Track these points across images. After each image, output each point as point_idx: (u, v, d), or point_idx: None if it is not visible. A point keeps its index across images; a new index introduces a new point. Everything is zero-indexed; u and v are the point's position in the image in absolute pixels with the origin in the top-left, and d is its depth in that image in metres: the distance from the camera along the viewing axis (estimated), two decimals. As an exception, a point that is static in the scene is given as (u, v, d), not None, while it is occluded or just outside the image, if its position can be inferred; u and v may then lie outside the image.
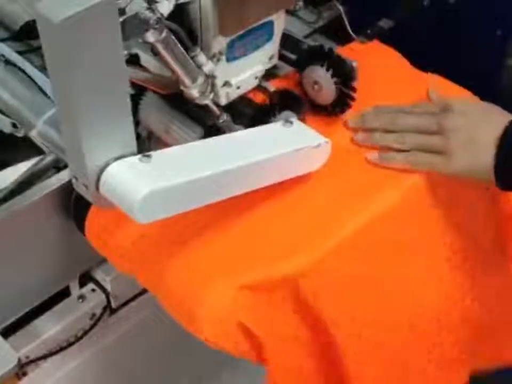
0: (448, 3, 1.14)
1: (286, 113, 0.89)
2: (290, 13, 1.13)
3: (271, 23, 0.89)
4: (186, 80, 0.80)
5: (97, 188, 0.71)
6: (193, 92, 0.82)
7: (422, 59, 1.02)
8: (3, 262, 0.93)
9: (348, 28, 1.06)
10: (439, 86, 1.02)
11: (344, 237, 0.85)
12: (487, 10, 1.39)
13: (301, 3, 0.99)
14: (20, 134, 0.98)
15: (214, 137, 0.82)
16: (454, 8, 1.16)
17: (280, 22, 0.90)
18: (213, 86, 0.85)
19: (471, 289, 0.96)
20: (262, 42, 0.90)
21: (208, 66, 0.81)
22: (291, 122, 0.87)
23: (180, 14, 0.80)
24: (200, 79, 0.81)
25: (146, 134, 0.93)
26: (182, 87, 0.82)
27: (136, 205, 0.68)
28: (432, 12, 1.13)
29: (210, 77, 0.82)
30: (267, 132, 0.86)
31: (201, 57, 0.81)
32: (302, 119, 0.91)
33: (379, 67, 1.03)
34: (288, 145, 0.84)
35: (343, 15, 1.07)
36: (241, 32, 0.85)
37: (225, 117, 0.86)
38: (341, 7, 1.09)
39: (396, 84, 1.01)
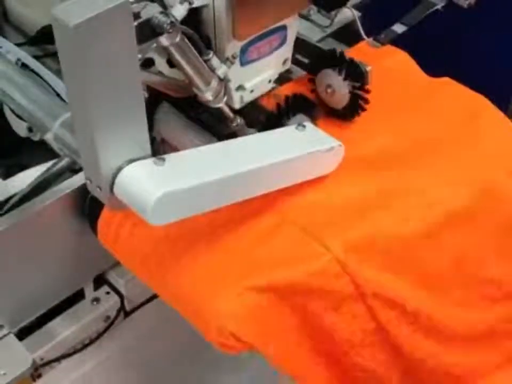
0: (463, 8, 1.14)
1: (299, 117, 0.90)
2: (304, 17, 1.14)
3: (284, 27, 0.90)
4: (200, 84, 0.81)
5: (111, 189, 0.71)
6: (207, 95, 0.82)
7: (436, 63, 1.03)
8: (18, 265, 0.94)
9: (362, 32, 1.07)
10: (452, 91, 1.02)
11: (356, 240, 0.85)
12: (502, 15, 1.39)
13: (314, 7, 1.00)
14: (36, 138, 0.99)
15: (228, 141, 0.83)
16: (469, 13, 1.16)
17: (293, 26, 0.91)
18: (227, 89, 0.86)
19: None
20: (276, 46, 0.90)
21: (221, 70, 0.82)
22: (304, 126, 0.87)
23: (193, 18, 0.80)
24: (214, 83, 0.81)
25: (161, 138, 0.94)
26: (195, 91, 0.82)
27: (150, 207, 0.69)
28: (446, 16, 1.14)
29: (224, 81, 0.83)
30: (280, 135, 0.87)
31: (215, 61, 0.81)
32: (315, 123, 0.91)
33: (392, 71, 1.03)
34: (302, 148, 0.85)
35: (357, 20, 1.08)
36: (255, 36, 0.86)
37: (238, 121, 0.87)
38: (355, 12, 1.09)
39: (409, 88, 1.01)
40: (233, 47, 0.84)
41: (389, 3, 1.22)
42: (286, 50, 0.92)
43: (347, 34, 1.14)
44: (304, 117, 0.90)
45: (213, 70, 0.81)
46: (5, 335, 0.96)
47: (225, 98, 0.84)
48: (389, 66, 1.03)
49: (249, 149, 0.82)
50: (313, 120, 0.91)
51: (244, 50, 0.86)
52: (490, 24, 1.39)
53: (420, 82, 1.04)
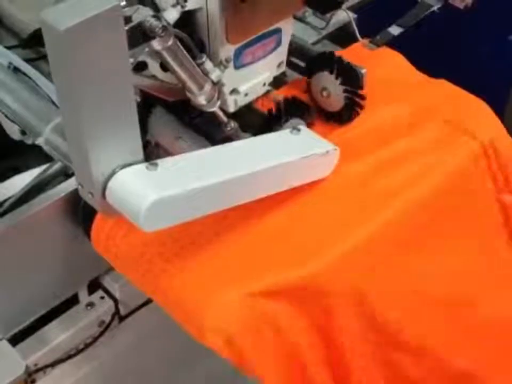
0: (459, 9, 1.14)
1: (294, 121, 0.89)
2: (299, 19, 1.13)
3: (279, 30, 0.89)
4: (193, 88, 0.80)
5: (103, 195, 0.71)
6: (200, 99, 0.82)
7: (432, 65, 1.02)
8: (12, 270, 0.93)
9: (357, 34, 1.06)
10: (449, 93, 1.01)
11: (356, 241, 0.85)
12: (498, 17, 1.39)
13: (310, 9, 0.99)
14: (29, 141, 0.98)
15: (221, 145, 0.82)
16: (465, 15, 1.15)
17: (288, 28, 0.90)
18: (221, 93, 0.85)
19: None
20: (270, 49, 0.90)
21: (215, 74, 0.81)
22: (299, 130, 0.87)
23: (187, 21, 0.79)
24: (207, 86, 0.81)
25: (155, 142, 0.93)
26: (188, 95, 0.81)
27: (142, 214, 0.68)
28: (442, 18, 1.13)
29: (218, 84, 0.82)
30: (275, 140, 0.86)
31: (208, 65, 0.80)
32: (311, 126, 0.90)
33: (388, 73, 1.02)
34: (296, 152, 0.84)
35: (353, 22, 1.07)
36: (249, 39, 0.85)
37: (232, 125, 0.86)
38: (350, 14, 1.09)
39: (405, 90, 1.01)
40: (227, 51, 0.83)
41: (385, 5, 1.21)
42: (281, 53, 0.91)
43: (343, 36, 1.13)
44: (299, 120, 0.90)
45: (206, 73, 0.80)
46: (-2, 341, 0.96)
47: (218, 102, 0.84)
48: (383, 68, 1.03)
49: (243, 154, 0.81)
50: (308, 123, 0.91)
51: (237, 54, 0.85)
52: (487, 25, 1.38)
53: (415, 84, 1.03)
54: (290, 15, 0.89)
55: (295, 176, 0.85)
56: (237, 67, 0.86)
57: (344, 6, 1.02)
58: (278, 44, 0.90)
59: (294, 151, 0.84)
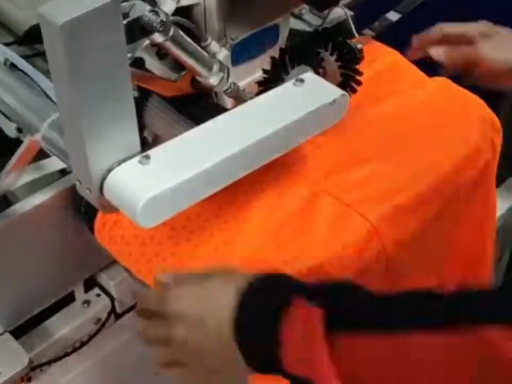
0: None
1: (301, 68, 0.86)
2: (296, 16, 1.13)
3: (276, 27, 0.89)
4: (202, 71, 0.80)
5: (101, 192, 0.70)
6: (211, 80, 0.82)
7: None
8: (8, 267, 0.93)
9: (354, 31, 1.06)
10: (444, 89, 1.01)
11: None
12: (496, 4, 1.39)
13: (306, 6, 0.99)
14: (25, 138, 0.97)
15: (218, 117, 0.76)
16: (463, 1, 1.15)
17: (285, 25, 0.90)
18: (218, 93, 0.85)
19: None
20: (268, 45, 0.89)
21: (222, 54, 0.81)
22: (302, 80, 0.79)
23: (184, 17, 0.79)
24: (215, 67, 0.81)
25: (152, 138, 0.93)
26: (198, 78, 0.81)
27: (138, 212, 0.67)
28: (440, 4, 1.13)
29: (225, 66, 0.82)
30: (275, 98, 0.79)
31: (214, 46, 0.81)
32: (318, 72, 0.86)
33: (383, 71, 1.02)
34: (299, 109, 0.77)
35: (349, 19, 1.07)
36: (246, 35, 0.85)
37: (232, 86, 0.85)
38: (347, 11, 1.09)
39: (402, 87, 1.01)
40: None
41: (382, 3, 1.21)
42: (278, 50, 0.91)
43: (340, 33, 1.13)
44: (306, 67, 0.86)
45: (213, 55, 0.81)
46: (0, 334, 0.96)
47: (230, 81, 0.83)
48: (380, 66, 1.03)
49: (242, 123, 0.76)
50: (315, 68, 0.86)
51: (235, 50, 0.85)
52: (486, 14, 1.38)
53: (412, 82, 1.03)
54: (288, 12, 0.89)
55: (301, 133, 0.79)
56: (234, 63, 0.86)
57: (341, 3, 1.02)
58: (275, 40, 0.90)
59: (297, 108, 0.77)
